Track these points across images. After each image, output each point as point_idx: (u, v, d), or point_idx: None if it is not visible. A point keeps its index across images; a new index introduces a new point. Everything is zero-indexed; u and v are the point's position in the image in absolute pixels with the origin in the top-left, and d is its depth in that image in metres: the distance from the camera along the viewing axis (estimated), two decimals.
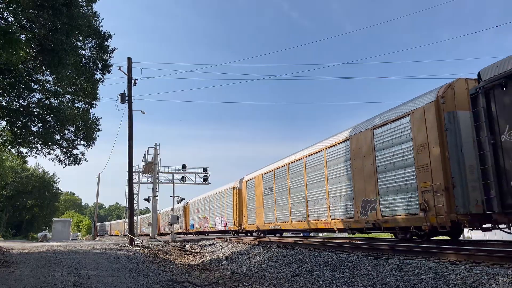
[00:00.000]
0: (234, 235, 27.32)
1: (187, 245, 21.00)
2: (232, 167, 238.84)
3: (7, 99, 14.58)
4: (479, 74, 9.66)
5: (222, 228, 30.35)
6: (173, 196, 32.86)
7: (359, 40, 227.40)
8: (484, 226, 10.08)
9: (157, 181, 32.22)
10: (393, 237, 13.63)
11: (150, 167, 33.14)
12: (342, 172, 14.78)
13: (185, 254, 18.49)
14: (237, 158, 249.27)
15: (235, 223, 27.32)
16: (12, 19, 11.93)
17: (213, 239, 22.42)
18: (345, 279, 7.71)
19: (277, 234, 23.02)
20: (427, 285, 6.19)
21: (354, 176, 13.99)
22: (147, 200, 32.44)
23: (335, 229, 15.40)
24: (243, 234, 25.91)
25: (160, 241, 24.08)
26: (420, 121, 11.11)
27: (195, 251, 19.02)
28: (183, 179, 37.16)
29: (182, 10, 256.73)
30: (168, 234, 41.03)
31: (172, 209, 35.44)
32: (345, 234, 16.40)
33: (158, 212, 56.59)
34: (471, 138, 9.68)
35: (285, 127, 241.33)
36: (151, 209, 34.25)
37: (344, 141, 14.74)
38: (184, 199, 37.47)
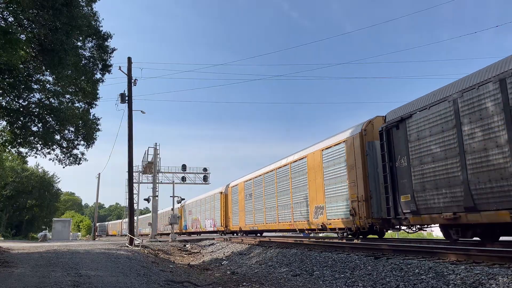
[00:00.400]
0: (221, 235, 29.80)
1: (187, 245, 21.01)
2: (232, 167, 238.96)
3: (7, 99, 14.57)
4: (385, 116, 12.97)
5: (211, 229, 33.24)
6: (173, 196, 32.86)
7: (359, 40, 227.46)
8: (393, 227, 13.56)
9: (157, 181, 32.23)
10: (342, 236, 16.01)
11: (150, 167, 33.15)
12: (302, 183, 17.97)
13: (185, 254, 18.49)
14: (237, 158, 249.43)
15: (222, 224, 30.37)
16: (12, 19, 11.93)
17: (213, 239, 22.43)
18: (345, 279, 7.71)
19: (258, 234, 25.57)
20: (427, 285, 6.19)
21: (309, 186, 17.18)
22: (147, 200, 32.45)
23: (297, 229, 18.69)
24: (230, 234, 28.27)
25: (160, 241, 24.09)
26: (350, 147, 14.38)
27: (195, 251, 19.03)
28: (183, 179, 37.17)
29: (182, 10, 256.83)
30: (164, 234, 41.63)
31: (172, 209, 35.42)
32: None
33: (161, 211, 57.36)
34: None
35: (285, 127, 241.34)
36: (151, 209, 34.25)
37: (303, 158, 18.00)
38: (184, 199, 37.51)
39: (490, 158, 8.77)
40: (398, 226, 12.95)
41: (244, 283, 8.16)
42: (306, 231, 17.87)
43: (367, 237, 14.83)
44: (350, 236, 14.65)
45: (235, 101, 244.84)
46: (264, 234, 25.43)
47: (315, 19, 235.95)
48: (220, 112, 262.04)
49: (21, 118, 14.86)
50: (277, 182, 20.71)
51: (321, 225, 15.89)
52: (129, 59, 22.79)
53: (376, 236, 15.14)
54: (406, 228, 12.60)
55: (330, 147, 15.80)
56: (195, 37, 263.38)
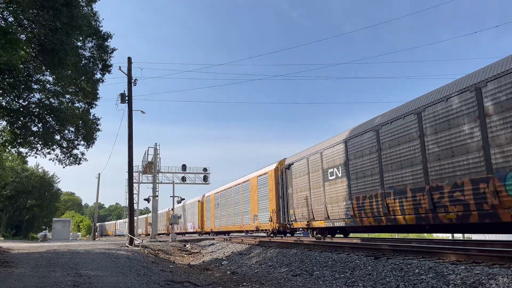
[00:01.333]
0: (198, 235, 37.00)
1: (187, 245, 21.01)
2: (232, 167, 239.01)
3: (7, 99, 14.57)
4: (287, 161, 20.45)
5: (192, 230, 41.04)
6: (173, 196, 32.88)
7: (359, 40, 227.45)
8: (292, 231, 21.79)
9: (157, 181, 32.22)
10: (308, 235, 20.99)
11: (150, 167, 33.14)
12: (247, 198, 26.14)
13: (185, 254, 18.49)
14: (237, 158, 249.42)
15: (199, 226, 38.50)
16: (12, 19, 11.92)
17: (213, 239, 22.45)
18: (345, 279, 7.71)
19: (226, 234, 31.43)
20: (427, 285, 6.19)
21: (251, 201, 25.28)
22: (147, 200, 32.45)
23: (244, 230, 26.23)
24: (206, 234, 35.13)
25: (160, 241, 24.09)
26: (271, 177, 22.26)
27: (195, 251, 19.02)
28: (183, 179, 37.16)
29: (181, 10, 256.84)
30: (159, 234, 43.97)
31: (172, 209, 35.50)
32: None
33: (147, 215, 59.64)
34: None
35: (285, 127, 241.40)
36: (151, 209, 34.27)
37: (248, 180, 26.10)
38: (184, 199, 37.66)
39: (315, 194, 17.30)
40: (289, 229, 20.64)
41: (244, 283, 8.16)
42: (247, 232, 26.21)
43: (281, 235, 21.82)
44: (271, 234, 21.90)
45: (235, 101, 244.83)
46: (231, 234, 31.21)
47: (315, 19, 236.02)
48: (220, 112, 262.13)
49: (21, 118, 14.86)
50: (234, 196, 28.96)
51: (256, 227, 23.97)
52: (129, 59, 22.79)
53: (289, 234, 22.13)
54: (294, 229, 20.83)
55: (261, 175, 23.91)
56: (195, 37, 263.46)
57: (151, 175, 33.48)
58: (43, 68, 13.87)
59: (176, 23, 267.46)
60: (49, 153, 16.20)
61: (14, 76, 13.31)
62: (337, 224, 15.43)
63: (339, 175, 15.22)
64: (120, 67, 22.42)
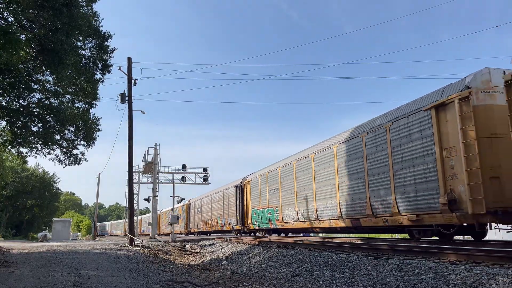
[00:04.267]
0: (185, 235, 40.88)
1: (187, 245, 21.01)
2: (232, 167, 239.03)
3: (7, 99, 14.56)
4: (247, 176, 26.68)
5: (179, 230, 45.96)
6: (173, 196, 32.85)
7: (359, 40, 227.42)
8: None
9: (157, 181, 32.19)
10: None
11: (150, 167, 33.12)
12: (220, 206, 32.25)
13: (185, 254, 18.49)
14: (237, 158, 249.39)
15: (185, 228, 44.32)
16: (12, 19, 11.91)
17: (213, 239, 22.44)
18: (345, 279, 7.71)
19: (209, 234, 35.70)
20: (427, 285, 6.19)
21: (223, 208, 31.31)
22: (147, 200, 32.42)
23: (220, 229, 31.79)
24: (192, 234, 40.20)
25: (160, 241, 24.09)
26: (238, 190, 27.66)
27: (195, 251, 19.02)
28: (183, 179, 37.13)
29: (181, 10, 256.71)
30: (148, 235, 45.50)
31: (172, 209, 35.49)
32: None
33: (141, 216, 61.60)
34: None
35: (285, 127, 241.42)
36: (151, 209, 34.26)
37: (224, 190, 31.36)
38: (184, 199, 37.69)
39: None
40: (247, 230, 26.34)
41: (244, 283, 8.15)
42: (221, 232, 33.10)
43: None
44: (238, 234, 27.69)
45: (235, 101, 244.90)
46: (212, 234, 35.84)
47: (315, 19, 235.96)
48: (220, 112, 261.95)
49: (21, 118, 14.84)
50: (211, 203, 35.00)
51: (231, 228, 29.22)
52: (129, 59, 22.78)
53: (252, 234, 26.38)
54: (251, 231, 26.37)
55: (231, 188, 29.72)
56: (195, 37, 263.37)
57: (151, 175, 33.45)
58: (43, 68, 13.85)
59: (176, 23, 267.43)
60: (49, 153, 16.19)
61: (14, 76, 13.30)
62: (277, 226, 21.66)
63: (278, 189, 21.08)
64: (120, 67, 22.41)
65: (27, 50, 12.25)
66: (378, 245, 10.01)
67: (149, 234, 50.05)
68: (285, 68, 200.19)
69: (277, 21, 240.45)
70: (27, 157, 16.68)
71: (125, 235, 62.08)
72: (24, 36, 11.75)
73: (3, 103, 14.51)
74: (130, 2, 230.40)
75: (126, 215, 38.11)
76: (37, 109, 15.16)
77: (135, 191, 32.35)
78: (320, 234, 24.55)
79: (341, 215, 14.62)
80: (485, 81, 9.87)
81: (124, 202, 60.00)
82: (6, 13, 11.84)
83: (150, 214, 57.95)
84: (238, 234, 27.49)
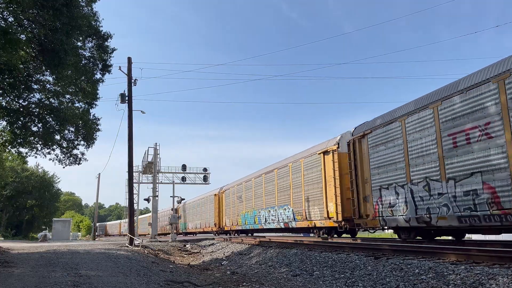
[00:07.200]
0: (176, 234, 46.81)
1: (187, 245, 21.01)
2: (232, 167, 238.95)
3: (7, 99, 14.55)
4: (222, 187, 32.79)
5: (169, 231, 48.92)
6: (173, 196, 32.85)
7: (359, 40, 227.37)
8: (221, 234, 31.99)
9: (157, 181, 32.21)
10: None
11: (150, 167, 33.14)
12: (205, 209, 36.10)
13: (185, 254, 18.49)
14: (237, 158, 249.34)
15: (175, 228, 50.12)
16: (12, 19, 11.90)
17: (213, 239, 22.44)
18: (345, 279, 7.70)
19: (193, 235, 39.43)
20: (427, 285, 6.19)
21: (201, 214, 37.24)
22: (147, 200, 32.43)
23: (205, 230, 35.88)
24: (180, 235, 42.86)
25: (160, 241, 24.08)
26: (216, 197, 33.03)
27: (195, 251, 19.01)
28: (183, 179, 37.15)
29: (181, 10, 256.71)
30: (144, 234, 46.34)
31: (172, 209, 35.48)
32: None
33: (138, 217, 63.06)
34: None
35: (285, 127, 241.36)
36: (151, 209, 34.27)
37: (208, 197, 35.66)
38: (184, 199, 37.80)
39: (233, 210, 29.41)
40: (221, 231, 31.37)
41: (244, 283, 8.15)
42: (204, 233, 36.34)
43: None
44: (216, 234, 31.69)
45: (235, 101, 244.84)
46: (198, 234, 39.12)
47: (314, 19, 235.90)
48: (220, 112, 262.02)
49: (21, 118, 14.83)
50: (196, 208, 39.48)
51: (211, 229, 33.89)
52: (129, 59, 22.78)
53: (226, 234, 30.34)
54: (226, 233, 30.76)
55: (210, 196, 34.70)
56: (195, 37, 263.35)
57: (151, 175, 33.48)
58: (43, 68, 13.84)
59: (176, 23, 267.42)
60: (49, 153, 16.19)
61: (14, 76, 13.28)
62: (236, 228, 27.95)
63: (242, 199, 26.86)
64: (120, 67, 22.42)
65: (27, 50, 12.25)
66: (378, 245, 10.01)
67: (144, 234, 50.94)
68: (285, 68, 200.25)
69: (277, 21, 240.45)
70: (27, 157, 16.67)
71: (119, 235, 61.85)
72: (24, 36, 11.73)
73: (3, 103, 14.51)
74: (130, 2, 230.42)
75: (126, 215, 38.10)
76: (37, 109, 15.15)
77: (135, 191, 32.37)
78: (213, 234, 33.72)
79: (278, 220, 21.03)
80: (351, 137, 14.97)
81: (124, 202, 60.13)
82: (6, 13, 11.83)
83: (144, 216, 58.89)
84: (216, 234, 32.04)
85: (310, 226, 17.81)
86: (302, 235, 24.73)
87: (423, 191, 10.85)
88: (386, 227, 13.08)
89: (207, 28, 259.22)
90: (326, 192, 16.32)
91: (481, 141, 9.21)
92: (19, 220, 58.71)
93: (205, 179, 37.61)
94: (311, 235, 21.34)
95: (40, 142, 15.58)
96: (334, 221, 15.75)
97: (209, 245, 19.99)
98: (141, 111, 25.69)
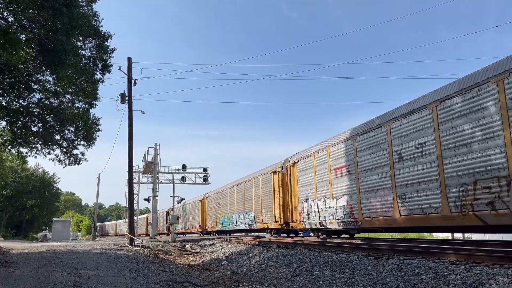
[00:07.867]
0: (166, 236, 46.92)
1: (187, 245, 21.01)
2: (232, 167, 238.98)
3: (7, 99, 14.55)
4: (204, 195, 37.27)
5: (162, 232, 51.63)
6: (173, 196, 32.92)
7: (359, 40, 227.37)
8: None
9: (157, 181, 32.20)
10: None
11: (150, 167, 33.13)
12: (191, 213, 40.66)
13: (185, 254, 18.48)
14: (237, 158, 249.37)
15: (167, 229, 50.56)
16: (12, 19, 11.90)
17: (213, 239, 22.44)
18: (345, 279, 7.70)
19: (185, 235, 42.24)
20: (427, 285, 6.19)
21: (189, 216, 41.58)
22: (147, 200, 32.43)
23: (190, 230, 40.43)
24: (180, 235, 44.99)
25: (160, 241, 24.08)
26: (201, 202, 37.05)
27: (195, 251, 19.01)
28: (183, 179, 37.16)
29: (181, 11, 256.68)
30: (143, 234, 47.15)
31: (172, 209, 35.53)
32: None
33: (136, 218, 64.05)
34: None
35: (285, 127, 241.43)
36: (151, 209, 34.27)
37: (195, 201, 38.73)
38: (184, 199, 37.91)
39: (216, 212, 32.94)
40: (205, 231, 34.60)
41: (244, 283, 8.15)
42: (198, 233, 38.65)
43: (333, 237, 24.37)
44: (201, 234, 34.78)
45: (235, 101, 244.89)
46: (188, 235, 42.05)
47: (314, 19, 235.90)
48: (220, 112, 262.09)
49: (21, 118, 14.83)
50: (187, 210, 43.24)
51: (196, 230, 37.34)
52: (129, 59, 22.78)
53: (209, 234, 33.15)
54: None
55: (196, 201, 38.65)
56: (195, 37, 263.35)
57: (151, 175, 33.47)
58: (43, 68, 13.84)
59: (176, 23, 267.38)
60: (49, 153, 16.18)
61: (14, 76, 13.28)
62: (215, 229, 31.86)
63: (220, 205, 30.82)
64: (120, 67, 22.42)
65: (27, 50, 12.25)
66: (378, 245, 10.01)
67: (142, 234, 51.20)
68: (285, 68, 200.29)
69: (277, 21, 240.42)
70: (27, 157, 16.66)
71: (115, 235, 63.13)
72: (24, 36, 11.73)
73: (3, 103, 14.50)
74: (130, 2, 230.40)
75: (126, 215, 38.10)
76: (37, 109, 15.14)
77: (135, 191, 32.37)
78: (199, 234, 37.08)
79: (245, 222, 25.31)
80: (288, 162, 19.78)
81: (124, 202, 60.23)
82: (6, 13, 11.83)
83: (143, 216, 59.13)
84: (201, 234, 35.63)
85: (264, 227, 22.44)
86: (267, 234, 27.02)
87: (322, 205, 16.03)
88: (307, 228, 17.93)
89: (207, 28, 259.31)
90: (274, 202, 20.82)
91: (343, 175, 14.73)
92: (19, 220, 58.69)
93: (205, 179, 37.62)
94: (311, 234, 21.71)
95: (40, 142, 15.58)
96: (279, 224, 20.22)
97: (209, 245, 19.99)
98: (141, 111, 25.72)
